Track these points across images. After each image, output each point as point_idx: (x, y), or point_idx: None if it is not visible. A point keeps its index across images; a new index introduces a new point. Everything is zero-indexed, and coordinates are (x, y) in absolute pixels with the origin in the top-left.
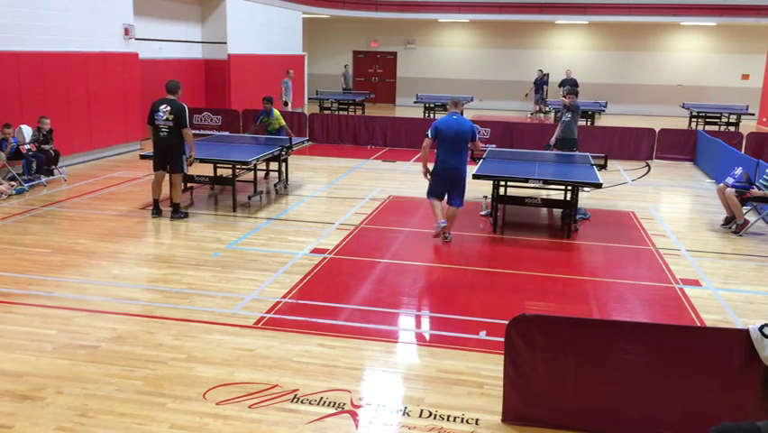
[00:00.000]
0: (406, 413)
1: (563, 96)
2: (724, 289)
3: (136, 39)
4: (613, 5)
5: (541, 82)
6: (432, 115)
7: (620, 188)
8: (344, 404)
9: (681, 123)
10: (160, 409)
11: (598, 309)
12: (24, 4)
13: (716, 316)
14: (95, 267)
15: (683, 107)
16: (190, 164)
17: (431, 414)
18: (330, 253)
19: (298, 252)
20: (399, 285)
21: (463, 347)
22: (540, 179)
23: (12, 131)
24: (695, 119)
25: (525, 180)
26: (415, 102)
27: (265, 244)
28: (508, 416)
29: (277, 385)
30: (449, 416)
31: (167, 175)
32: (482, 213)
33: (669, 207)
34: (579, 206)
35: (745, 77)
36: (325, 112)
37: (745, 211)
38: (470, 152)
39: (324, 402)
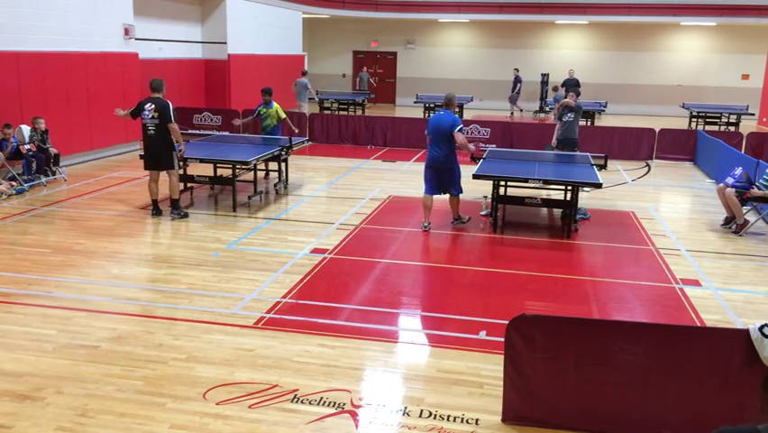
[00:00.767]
0: (406, 413)
1: (566, 97)
2: (724, 289)
3: (136, 39)
4: (613, 5)
5: (516, 80)
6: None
7: (620, 188)
8: (344, 404)
9: (681, 123)
10: (160, 409)
11: (598, 309)
12: (24, 4)
13: (716, 316)
14: (95, 267)
15: (683, 107)
16: (181, 158)
17: (431, 414)
18: (330, 253)
19: (298, 252)
20: (399, 285)
21: (463, 347)
22: (540, 179)
23: (12, 131)
24: (695, 119)
25: (526, 180)
26: (415, 102)
27: (265, 244)
28: (508, 416)
29: (277, 385)
30: (449, 416)
31: (162, 174)
32: (482, 213)
33: (669, 207)
34: (579, 206)
35: (745, 77)
36: (325, 112)
37: (745, 211)
38: (455, 145)
39: (324, 402)
